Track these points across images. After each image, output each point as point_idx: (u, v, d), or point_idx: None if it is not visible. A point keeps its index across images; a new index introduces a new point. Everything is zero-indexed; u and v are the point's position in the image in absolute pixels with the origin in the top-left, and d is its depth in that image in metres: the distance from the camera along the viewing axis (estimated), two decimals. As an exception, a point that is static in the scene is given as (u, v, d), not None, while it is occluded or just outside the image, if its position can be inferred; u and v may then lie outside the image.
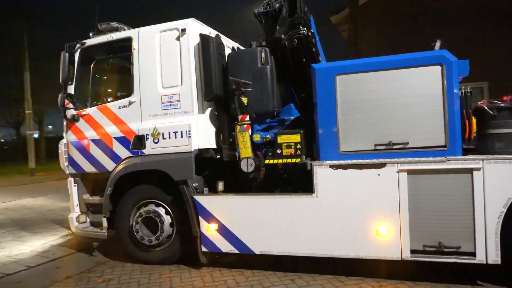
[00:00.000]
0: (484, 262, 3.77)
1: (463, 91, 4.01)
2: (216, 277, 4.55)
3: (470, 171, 3.77)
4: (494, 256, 3.74)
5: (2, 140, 45.93)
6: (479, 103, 3.97)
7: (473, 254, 3.80)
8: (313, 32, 4.87)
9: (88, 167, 5.40)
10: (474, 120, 4.00)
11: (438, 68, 3.93)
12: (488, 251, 3.75)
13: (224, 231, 4.65)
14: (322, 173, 4.24)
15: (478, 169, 3.74)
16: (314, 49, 4.78)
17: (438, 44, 4.24)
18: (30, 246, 6.08)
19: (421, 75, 4.00)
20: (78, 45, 5.46)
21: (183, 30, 4.86)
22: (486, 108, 3.88)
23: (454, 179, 3.84)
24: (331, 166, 4.21)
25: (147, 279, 4.56)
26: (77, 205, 5.57)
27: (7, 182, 16.81)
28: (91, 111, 5.38)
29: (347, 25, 12.84)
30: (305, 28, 4.68)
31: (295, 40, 4.72)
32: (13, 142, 39.80)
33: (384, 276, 4.33)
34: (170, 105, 4.93)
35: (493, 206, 3.72)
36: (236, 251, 4.63)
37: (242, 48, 5.67)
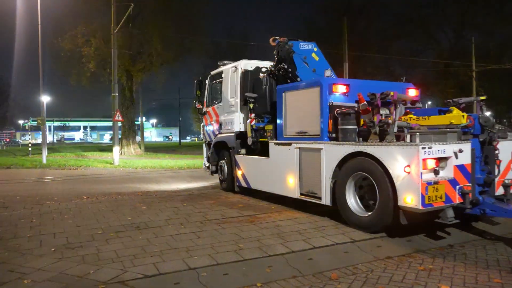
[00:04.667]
0: (325, 204, 6.43)
1: (330, 102, 6.53)
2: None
3: (319, 150, 6.48)
4: (329, 201, 6.37)
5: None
6: (337, 109, 6.43)
7: (320, 198, 6.51)
8: (293, 63, 7.99)
9: (207, 138, 10.55)
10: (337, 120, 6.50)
11: (318, 88, 6.67)
12: (326, 197, 6.40)
13: (243, 175, 8.76)
14: (271, 146, 7.73)
15: (322, 149, 6.42)
16: (291, 75, 7.96)
17: (327, 73, 6.81)
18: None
19: (313, 93, 6.83)
20: (208, 75, 10.55)
21: (237, 67, 9.10)
22: (335, 112, 6.38)
23: (315, 153, 6.61)
24: (275, 143, 7.62)
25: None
26: (205, 157, 10.85)
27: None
28: (209, 109, 10.41)
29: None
30: (282, 63, 7.98)
31: (281, 70, 8.09)
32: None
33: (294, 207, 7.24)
34: (231, 107, 9.31)
35: (328, 171, 6.33)
36: (247, 186, 8.65)
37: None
